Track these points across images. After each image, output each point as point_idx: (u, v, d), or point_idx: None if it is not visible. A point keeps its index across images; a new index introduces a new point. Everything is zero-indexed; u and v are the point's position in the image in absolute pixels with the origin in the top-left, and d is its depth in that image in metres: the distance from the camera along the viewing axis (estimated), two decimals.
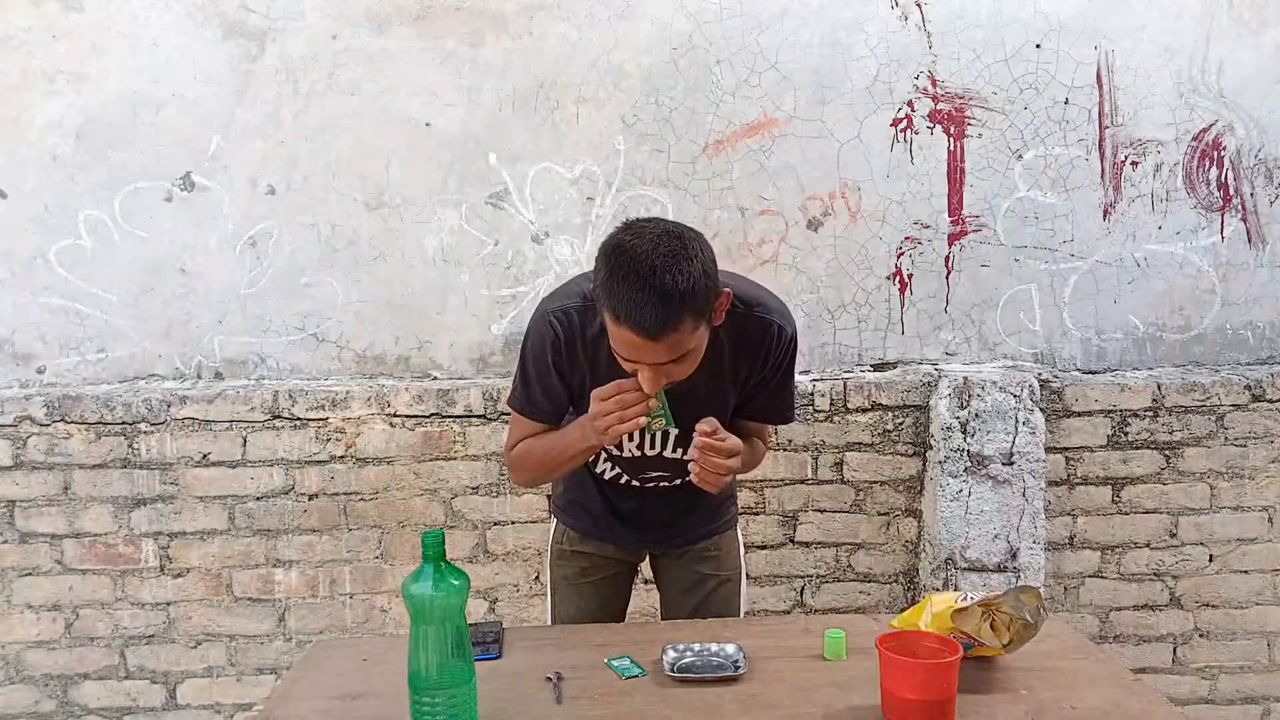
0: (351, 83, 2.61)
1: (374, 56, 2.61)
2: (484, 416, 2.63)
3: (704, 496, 1.68)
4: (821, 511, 2.71)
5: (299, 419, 2.60)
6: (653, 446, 1.65)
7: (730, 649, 1.52)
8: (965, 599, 1.45)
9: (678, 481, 1.73)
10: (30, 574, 2.61)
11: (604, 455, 1.70)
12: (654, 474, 1.71)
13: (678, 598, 1.83)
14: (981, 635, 1.40)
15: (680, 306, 1.33)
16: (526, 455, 1.66)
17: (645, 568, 1.97)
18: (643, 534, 1.80)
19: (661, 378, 1.42)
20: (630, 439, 1.63)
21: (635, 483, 1.73)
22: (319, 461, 2.61)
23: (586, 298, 1.53)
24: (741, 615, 1.88)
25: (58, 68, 2.57)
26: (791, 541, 2.71)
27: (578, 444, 1.58)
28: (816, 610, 2.73)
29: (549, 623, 1.91)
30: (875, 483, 2.70)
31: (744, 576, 1.90)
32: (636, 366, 1.42)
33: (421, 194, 2.65)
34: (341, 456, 2.62)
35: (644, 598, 2.22)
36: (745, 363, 1.58)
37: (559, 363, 1.55)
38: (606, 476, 1.74)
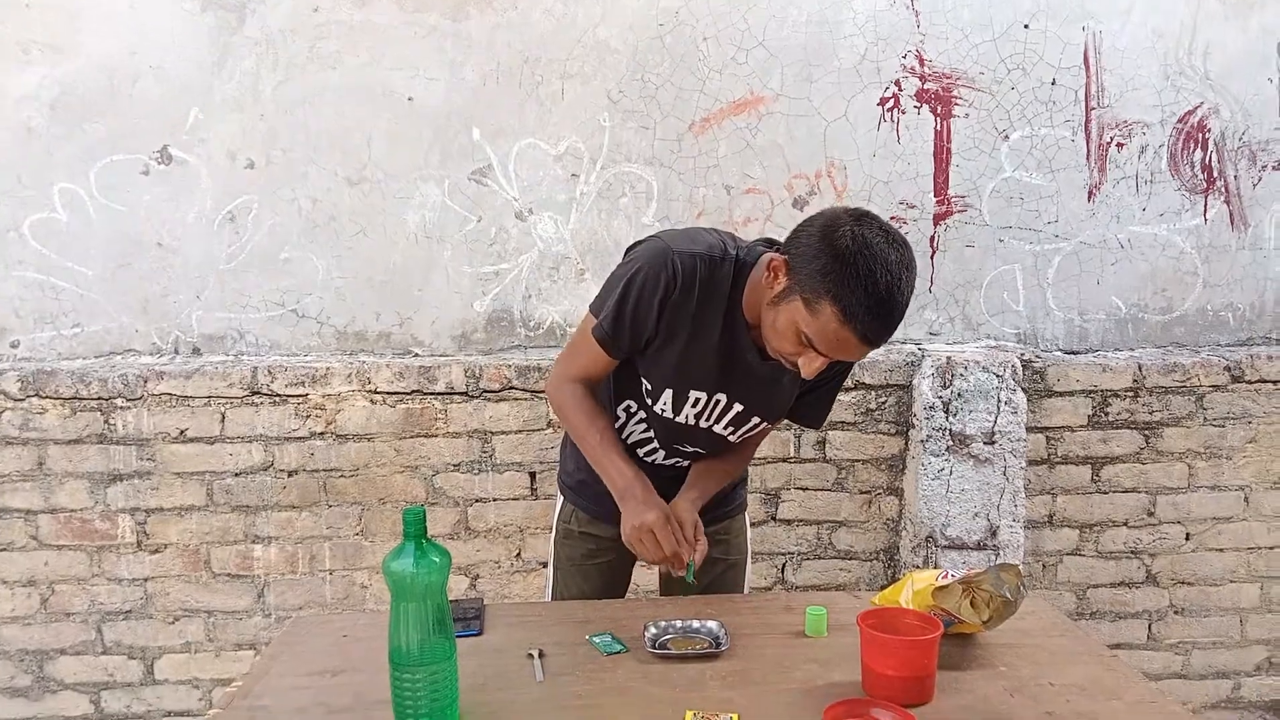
0: (332, 56, 2.58)
1: (355, 29, 2.57)
2: (465, 394, 2.61)
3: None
4: (804, 489, 2.71)
5: (278, 395, 2.58)
6: (707, 420, 1.62)
7: (712, 625, 1.52)
8: (946, 576, 1.46)
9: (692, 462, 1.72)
10: (5, 549, 2.58)
11: (641, 416, 1.66)
12: (687, 447, 1.68)
13: (683, 581, 1.82)
14: (962, 612, 1.41)
15: (903, 319, 1.35)
16: (565, 409, 1.63)
17: None
18: None
19: (823, 368, 1.41)
20: (694, 406, 1.61)
21: (661, 452, 1.69)
22: (298, 438, 2.60)
23: (713, 250, 1.50)
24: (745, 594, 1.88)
25: (31, 37, 2.52)
26: (773, 519, 2.72)
27: (607, 475, 1.59)
28: (798, 587, 2.74)
29: (549, 601, 1.89)
30: (857, 461, 2.71)
31: (749, 559, 1.90)
32: (804, 353, 1.39)
33: (403, 169, 2.62)
34: (321, 433, 2.60)
35: (638, 573, 2.23)
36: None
37: (664, 303, 1.49)
38: (633, 439, 1.70)
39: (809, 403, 1.67)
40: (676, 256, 1.48)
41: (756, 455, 2.64)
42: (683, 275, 1.48)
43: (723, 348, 1.53)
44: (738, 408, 1.60)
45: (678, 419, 1.62)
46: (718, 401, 1.60)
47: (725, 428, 1.63)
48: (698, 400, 1.59)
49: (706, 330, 1.52)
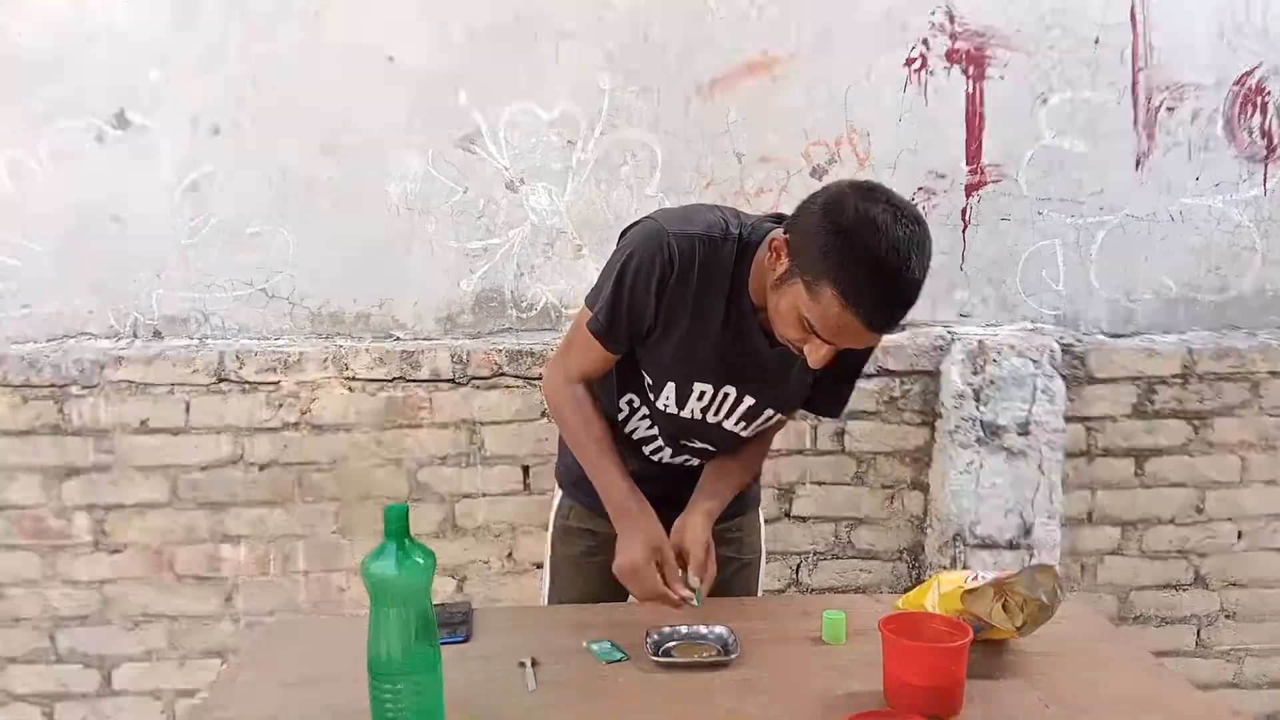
0: (305, 12, 2.56)
1: None
2: (452, 380, 2.61)
3: None
4: (821, 484, 2.72)
5: (248, 382, 2.58)
6: (715, 414, 1.62)
7: (721, 631, 1.52)
8: (976, 578, 1.46)
9: (703, 463, 1.72)
10: None
11: (645, 411, 1.67)
12: (695, 444, 1.68)
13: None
14: (993, 617, 1.41)
15: (915, 303, 1.33)
16: (562, 412, 1.65)
17: None
18: (661, 514, 1.79)
19: (831, 356, 1.40)
20: (699, 400, 1.60)
21: (667, 450, 1.70)
22: (270, 429, 2.60)
23: (713, 230, 1.50)
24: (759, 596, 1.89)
25: None
26: (788, 516, 2.73)
27: (603, 491, 1.62)
28: (814, 589, 2.75)
29: (545, 604, 1.90)
30: (879, 453, 2.71)
31: (763, 559, 1.91)
32: (809, 340, 1.39)
33: (383, 135, 2.61)
34: (295, 423, 2.60)
35: None
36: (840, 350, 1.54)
37: (662, 290, 1.50)
38: (637, 435, 1.70)
39: (826, 390, 1.67)
40: (672, 239, 1.48)
41: (769, 448, 2.66)
42: (680, 259, 1.48)
43: (727, 335, 1.53)
44: (749, 401, 1.60)
45: (682, 414, 1.62)
46: (725, 395, 1.60)
47: (736, 423, 1.64)
48: (703, 393, 1.60)
49: (708, 317, 1.52)
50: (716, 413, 1.62)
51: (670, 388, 1.60)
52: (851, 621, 1.54)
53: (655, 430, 1.68)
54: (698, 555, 1.58)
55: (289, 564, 2.65)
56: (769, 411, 1.63)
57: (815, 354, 1.40)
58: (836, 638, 1.52)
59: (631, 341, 1.58)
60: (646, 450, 1.72)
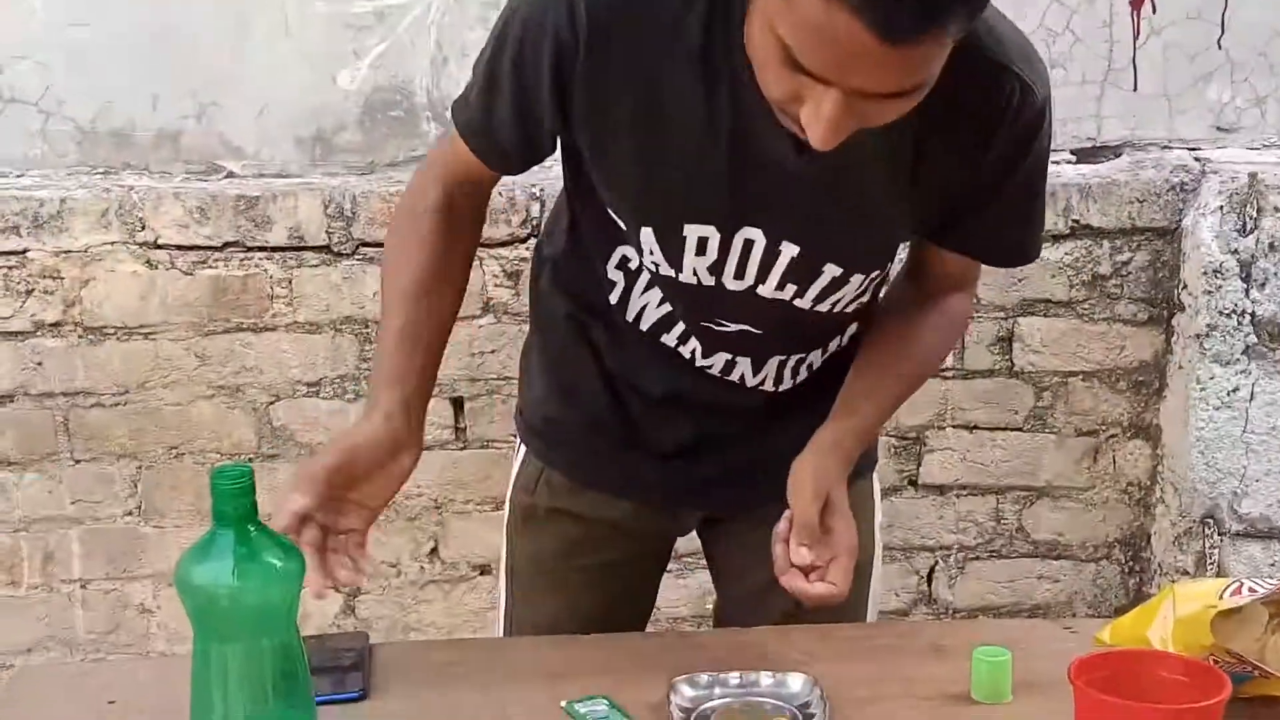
0: None
1: None
2: (327, 249, 2.64)
3: (821, 408, 1.68)
4: (970, 429, 2.76)
5: None
6: (738, 278, 1.60)
7: (797, 684, 1.53)
8: (1239, 591, 1.47)
9: (773, 379, 1.74)
10: None
11: (647, 276, 1.67)
12: (728, 326, 1.67)
13: (759, 597, 1.82)
14: (1267, 658, 1.42)
15: None
16: (395, 225, 1.74)
17: (684, 541, 1.98)
18: (698, 482, 1.82)
19: (849, 121, 1.32)
20: (699, 254, 1.58)
21: (694, 342, 1.70)
22: (14, 334, 2.64)
23: None
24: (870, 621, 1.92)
25: None
26: (913, 484, 2.77)
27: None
28: (958, 611, 2.81)
29: (500, 635, 1.93)
30: (1073, 375, 2.74)
31: (877, 557, 1.93)
32: (800, 90, 1.32)
33: None
34: (56, 324, 2.63)
35: (668, 588, 2.28)
36: (946, 154, 1.51)
37: (562, 78, 1.49)
38: (648, 323, 1.71)
39: (974, 230, 1.63)
40: None
41: None
42: (588, 21, 1.45)
43: (717, 134, 1.51)
44: (790, 250, 1.58)
45: (681, 277, 1.62)
46: (747, 243, 1.59)
47: (782, 288, 1.62)
48: (704, 242, 1.58)
49: (677, 107, 1.50)
50: (739, 274, 1.62)
51: (648, 236, 1.60)
52: (1023, 664, 1.55)
53: (670, 307, 1.70)
54: (804, 512, 1.56)
55: (54, 567, 2.70)
56: (833, 269, 1.61)
57: (815, 115, 1.32)
58: (996, 693, 1.53)
59: (530, 159, 1.61)
60: (670, 342, 1.72)
